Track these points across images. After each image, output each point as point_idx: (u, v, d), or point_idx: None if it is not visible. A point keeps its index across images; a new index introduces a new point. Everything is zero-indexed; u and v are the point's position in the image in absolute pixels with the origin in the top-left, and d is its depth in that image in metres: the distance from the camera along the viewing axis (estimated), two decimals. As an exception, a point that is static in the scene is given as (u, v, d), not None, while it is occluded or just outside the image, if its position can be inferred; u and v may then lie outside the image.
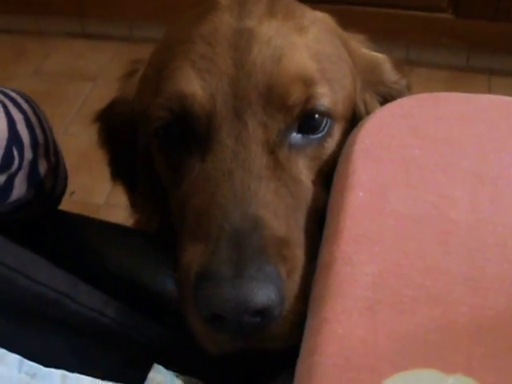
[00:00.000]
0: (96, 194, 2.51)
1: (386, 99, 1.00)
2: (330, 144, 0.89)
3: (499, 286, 0.68)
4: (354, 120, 0.95)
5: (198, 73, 0.83)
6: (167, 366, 0.80)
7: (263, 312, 0.70)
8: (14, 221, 0.86)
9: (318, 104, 0.86)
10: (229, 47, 0.85)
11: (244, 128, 0.81)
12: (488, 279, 0.69)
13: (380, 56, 1.02)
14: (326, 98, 0.86)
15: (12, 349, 0.70)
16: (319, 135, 0.88)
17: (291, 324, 0.74)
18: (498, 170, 0.78)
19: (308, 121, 0.86)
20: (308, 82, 0.85)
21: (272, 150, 0.82)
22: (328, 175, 0.87)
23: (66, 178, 1.02)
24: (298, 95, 0.84)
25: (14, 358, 0.69)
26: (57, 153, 0.97)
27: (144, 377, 0.78)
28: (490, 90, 2.89)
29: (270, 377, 0.86)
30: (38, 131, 0.90)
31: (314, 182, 0.87)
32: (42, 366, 0.71)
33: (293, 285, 0.74)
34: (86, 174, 2.46)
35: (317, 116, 0.87)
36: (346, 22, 1.02)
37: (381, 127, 0.83)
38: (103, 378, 0.74)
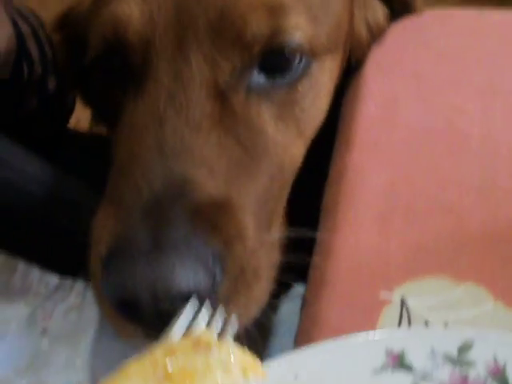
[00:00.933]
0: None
1: None
2: (308, 88, 0.71)
3: (510, 197, 0.68)
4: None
5: None
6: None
7: (188, 296, 0.54)
8: (24, 137, 0.85)
9: (288, 40, 0.67)
10: None
11: (186, 64, 0.64)
12: (500, 191, 0.68)
13: None
14: (299, 31, 0.68)
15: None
16: (290, 77, 0.69)
17: (237, 307, 0.59)
18: (510, 85, 0.77)
19: (274, 58, 0.68)
20: (276, 11, 0.66)
21: (221, 94, 0.65)
22: (309, 128, 0.73)
23: (74, 96, 1.01)
24: (258, 27, 0.65)
25: (28, 268, 0.69)
26: None
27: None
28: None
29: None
30: (46, 47, 0.89)
31: (287, 136, 0.70)
32: (56, 277, 0.71)
33: (233, 256, 0.58)
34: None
35: (286, 53, 0.68)
36: None
37: (393, 42, 0.82)
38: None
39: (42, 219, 0.73)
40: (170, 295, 0.53)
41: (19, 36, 0.82)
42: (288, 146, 0.70)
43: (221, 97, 0.65)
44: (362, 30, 0.81)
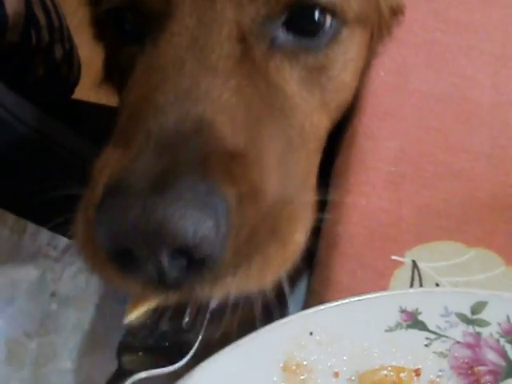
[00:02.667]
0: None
1: None
2: (338, 55, 0.68)
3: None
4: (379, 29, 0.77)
5: None
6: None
7: (192, 251, 0.47)
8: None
9: None
10: None
11: (210, 5, 0.61)
12: (509, 158, 0.68)
13: None
14: None
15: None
16: (320, 40, 0.66)
17: (249, 272, 0.52)
18: (520, 54, 0.77)
19: (303, 17, 0.65)
20: None
21: (243, 39, 0.61)
22: (334, 101, 0.70)
23: (79, 67, 1.02)
24: None
25: (39, 229, 0.70)
26: (71, 40, 0.97)
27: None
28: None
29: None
30: (53, 15, 0.89)
31: (310, 103, 0.66)
32: (66, 238, 0.71)
33: (245, 215, 0.51)
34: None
35: (317, 14, 0.65)
36: None
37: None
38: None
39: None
40: (168, 246, 0.46)
41: (27, 3, 0.82)
42: (309, 113, 0.66)
43: (242, 41, 0.61)
44: (385, 12, 0.77)
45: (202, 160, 0.50)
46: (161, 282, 0.49)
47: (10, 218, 0.69)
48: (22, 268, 0.68)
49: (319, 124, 0.67)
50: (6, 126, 0.68)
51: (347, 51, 0.69)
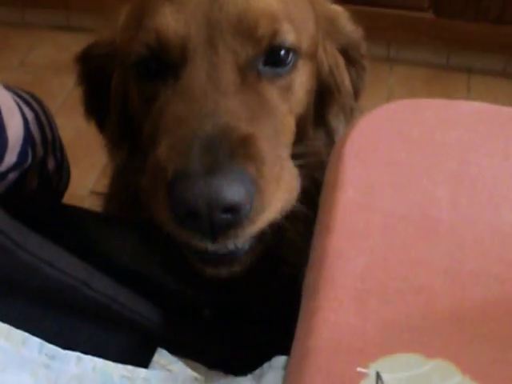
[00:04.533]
0: (81, 185, 2.45)
1: (344, 49, 1.13)
2: (298, 77, 1.01)
3: (476, 279, 0.74)
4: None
5: (173, 7, 0.94)
6: (169, 350, 0.84)
7: (234, 208, 0.78)
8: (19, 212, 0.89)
9: (284, 39, 0.96)
10: None
11: (215, 52, 0.92)
12: (466, 273, 0.75)
13: (338, 8, 1.16)
14: (290, 34, 0.97)
15: (33, 332, 0.74)
16: (286, 68, 0.99)
17: (262, 220, 0.84)
18: (476, 172, 0.85)
19: (275, 55, 0.97)
20: (274, 18, 0.95)
21: (241, 70, 0.93)
22: (297, 104, 1.02)
23: (68, 172, 1.06)
24: (264, 29, 0.94)
25: (35, 340, 0.74)
26: (62, 149, 1.02)
27: (148, 360, 0.83)
28: (469, 89, 2.95)
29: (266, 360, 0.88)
30: (47, 129, 0.94)
31: (283, 110, 0.98)
32: (60, 349, 0.75)
33: (262, 178, 0.83)
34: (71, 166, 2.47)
35: (282, 52, 0.97)
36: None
37: (369, 131, 0.89)
38: (113, 361, 0.78)
39: (50, 298, 0.79)
40: (220, 207, 0.77)
41: (24, 123, 0.87)
42: (284, 115, 0.98)
43: (240, 72, 0.92)
44: (322, 53, 1.10)
45: (231, 151, 0.81)
46: (212, 232, 0.80)
47: (5, 328, 0.73)
48: (17, 377, 0.73)
49: (290, 122, 1.00)
50: (8, 254, 0.73)
51: (302, 75, 1.02)
